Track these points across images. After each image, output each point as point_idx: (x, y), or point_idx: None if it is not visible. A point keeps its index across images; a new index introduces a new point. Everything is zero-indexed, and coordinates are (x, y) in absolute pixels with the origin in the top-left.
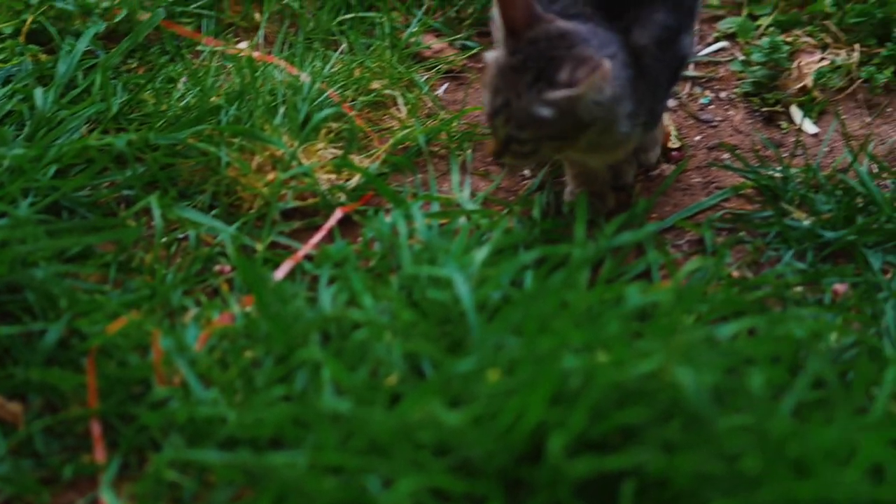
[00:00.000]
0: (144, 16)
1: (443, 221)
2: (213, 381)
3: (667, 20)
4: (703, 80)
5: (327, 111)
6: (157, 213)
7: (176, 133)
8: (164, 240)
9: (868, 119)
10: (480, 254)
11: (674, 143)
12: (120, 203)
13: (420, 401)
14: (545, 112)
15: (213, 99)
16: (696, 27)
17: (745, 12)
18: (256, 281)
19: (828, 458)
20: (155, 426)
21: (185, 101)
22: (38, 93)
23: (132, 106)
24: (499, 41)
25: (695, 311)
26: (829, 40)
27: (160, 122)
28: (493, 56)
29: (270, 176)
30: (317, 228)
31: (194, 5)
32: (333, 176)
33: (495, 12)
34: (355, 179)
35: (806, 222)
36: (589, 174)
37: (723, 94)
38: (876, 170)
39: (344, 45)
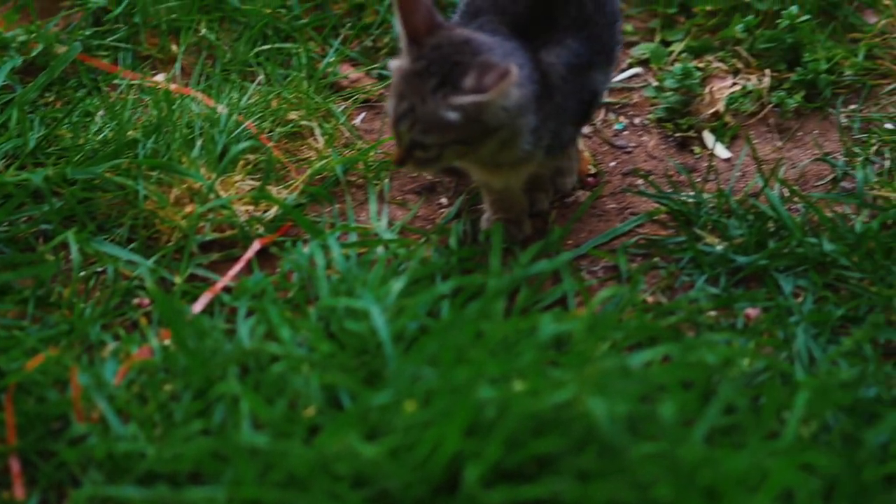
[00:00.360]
0: (61, 49)
1: (361, 251)
2: (132, 415)
3: (578, 48)
4: (618, 106)
5: (245, 143)
6: (74, 247)
7: (93, 167)
8: (82, 274)
9: (779, 143)
10: (397, 284)
11: (590, 170)
12: (38, 238)
13: (338, 433)
14: (452, 116)
15: (130, 132)
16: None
17: (657, 38)
18: (174, 315)
19: (739, 484)
20: (74, 462)
21: (102, 135)
22: None
23: (49, 140)
24: (402, 49)
25: (609, 339)
26: (740, 65)
27: (78, 157)
28: (396, 63)
29: (188, 208)
30: (235, 260)
31: (111, 38)
32: (251, 207)
33: (396, 20)
34: (273, 211)
35: (719, 247)
36: (505, 201)
37: (637, 120)
38: (787, 194)
39: (261, 77)
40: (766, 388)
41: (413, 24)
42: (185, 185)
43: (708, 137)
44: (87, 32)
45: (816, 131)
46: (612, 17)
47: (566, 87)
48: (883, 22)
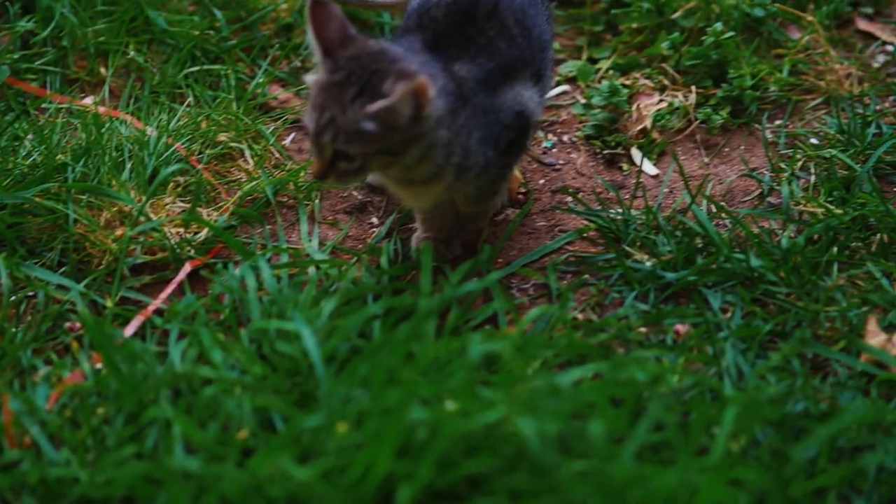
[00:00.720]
0: None
1: (292, 272)
2: (65, 440)
3: (492, 68)
4: (546, 123)
5: (174, 166)
6: (3, 272)
7: (23, 192)
8: (12, 299)
9: (706, 159)
10: (328, 305)
11: (520, 188)
12: None
13: (270, 456)
14: (369, 126)
15: (59, 156)
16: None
17: (585, 56)
18: (104, 339)
19: (669, 501)
20: (6, 488)
21: (31, 159)
22: None
23: None
24: (317, 63)
25: (539, 357)
26: (666, 82)
27: (6, 181)
28: (313, 77)
29: (119, 231)
30: (166, 282)
31: (39, 62)
32: (182, 230)
33: (309, 33)
34: (204, 233)
35: (647, 264)
36: (436, 220)
37: (565, 138)
38: (714, 210)
39: (190, 99)
40: (694, 405)
41: (326, 36)
42: (115, 209)
43: (636, 154)
44: (15, 56)
45: (743, 147)
46: (541, 44)
47: (476, 102)
48: (806, 38)
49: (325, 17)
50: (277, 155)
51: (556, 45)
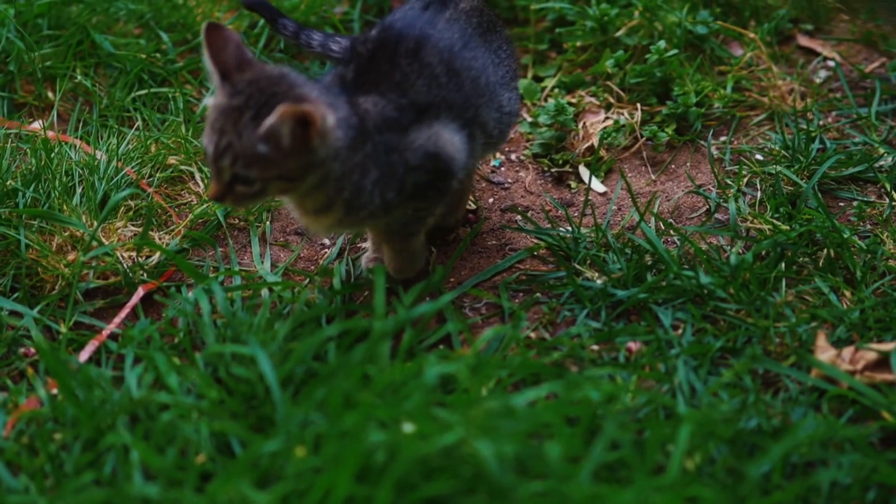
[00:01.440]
0: None
1: (245, 294)
2: (22, 467)
3: (403, 104)
4: None
5: (126, 191)
6: None
7: None
8: None
9: (653, 176)
10: (283, 329)
11: (470, 206)
12: None
13: (229, 481)
14: (262, 148)
15: (9, 182)
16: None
17: (530, 74)
18: (60, 366)
19: None
20: None
21: None
22: None
23: None
24: (215, 86)
25: (494, 377)
26: (612, 100)
27: None
28: (212, 100)
29: (71, 256)
30: (120, 307)
31: None
32: (134, 254)
33: (205, 57)
34: (156, 256)
35: (598, 282)
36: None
37: (513, 156)
38: (662, 227)
39: (139, 122)
40: (649, 423)
41: (223, 60)
42: (66, 233)
43: (583, 172)
44: None
45: (689, 164)
46: (478, 89)
47: (379, 139)
48: (749, 54)
49: (222, 41)
50: None
51: None
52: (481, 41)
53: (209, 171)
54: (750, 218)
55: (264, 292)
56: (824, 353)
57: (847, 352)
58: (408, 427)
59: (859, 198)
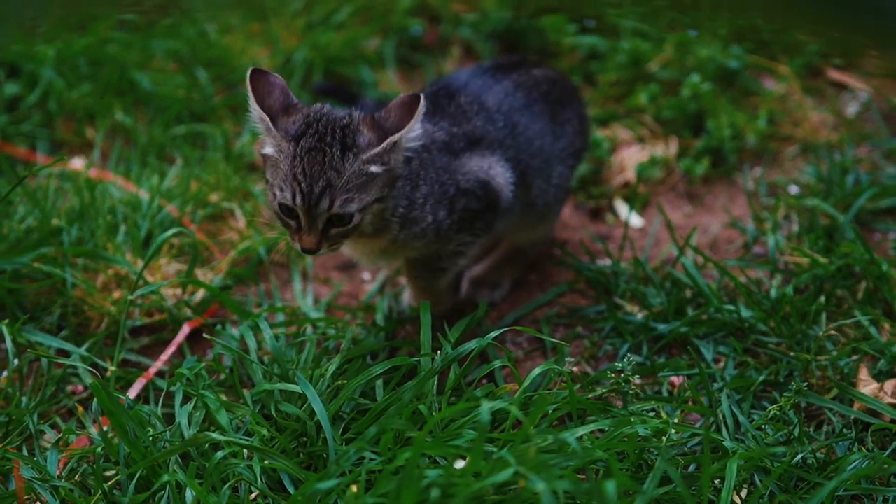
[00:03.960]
0: None
1: (289, 331)
2: None
3: (455, 132)
4: None
5: (171, 230)
6: (8, 339)
7: (20, 257)
8: (16, 363)
9: (689, 209)
10: (332, 366)
11: None
12: None
13: None
14: (375, 169)
15: (54, 220)
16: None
17: None
18: (114, 405)
19: None
20: None
21: (25, 224)
22: None
23: None
24: (265, 133)
25: (543, 413)
26: (646, 133)
27: (2, 246)
28: (272, 149)
29: (116, 294)
30: (165, 343)
31: (26, 124)
32: (179, 291)
33: (252, 105)
34: (201, 293)
35: (639, 316)
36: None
37: None
38: (701, 261)
39: (179, 159)
40: (698, 458)
41: (269, 105)
42: (111, 271)
43: (620, 205)
44: (2, 120)
45: (724, 196)
46: (530, 145)
47: (428, 157)
48: (782, 87)
49: (267, 86)
50: (267, 213)
51: None
52: (548, 108)
53: (277, 221)
54: (788, 251)
55: (308, 329)
56: (866, 386)
57: (889, 385)
58: (459, 464)
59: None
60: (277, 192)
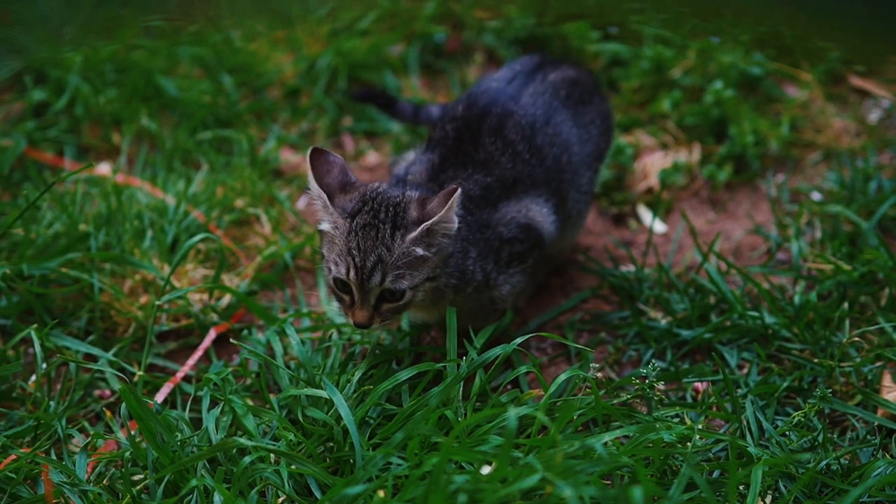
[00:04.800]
0: (7, 143)
1: (315, 336)
2: None
3: (488, 182)
4: None
5: (198, 236)
6: (37, 345)
7: (48, 262)
8: (44, 367)
9: (712, 215)
10: (358, 371)
11: None
12: None
13: None
14: (419, 251)
15: (81, 226)
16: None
17: None
18: (142, 410)
19: None
20: None
21: (53, 229)
22: None
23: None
24: (323, 210)
25: (569, 418)
26: (668, 139)
27: (30, 251)
28: (329, 225)
29: (143, 299)
30: (192, 348)
31: (53, 129)
32: (205, 296)
33: (311, 183)
34: (227, 298)
35: (663, 322)
36: None
37: None
38: (725, 268)
39: (204, 165)
40: (724, 464)
41: (328, 183)
42: (138, 276)
43: (643, 212)
44: (30, 125)
45: (747, 203)
46: (559, 165)
47: (472, 219)
48: (805, 94)
49: (326, 165)
50: (293, 219)
51: None
52: (570, 114)
53: (333, 292)
54: (811, 257)
55: (334, 334)
56: (890, 392)
57: None
58: (486, 469)
59: None
60: (332, 267)
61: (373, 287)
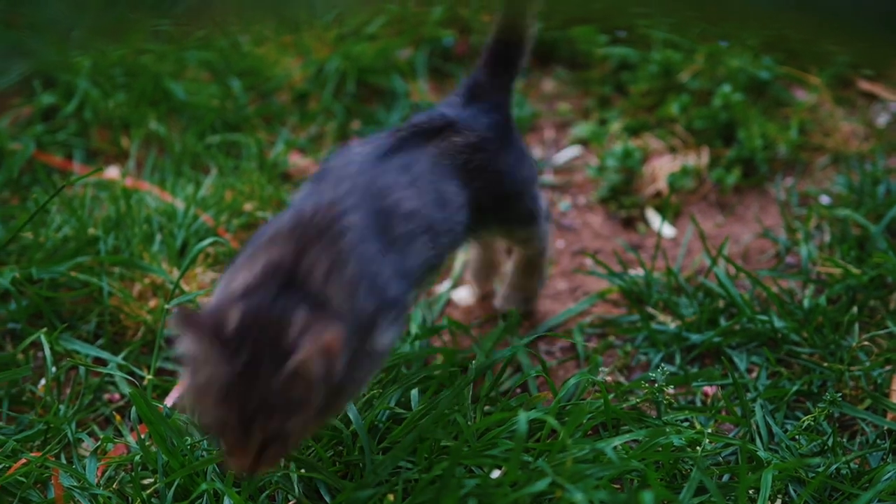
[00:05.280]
0: (15, 146)
1: None
2: None
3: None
4: (561, 186)
5: (207, 240)
6: (46, 348)
7: (57, 266)
8: (53, 370)
9: (721, 219)
10: None
11: None
12: (5, 337)
13: None
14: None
15: (90, 230)
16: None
17: (594, 118)
18: (152, 413)
19: None
20: None
21: (62, 232)
22: None
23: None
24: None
25: (579, 422)
26: (677, 143)
27: (39, 254)
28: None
29: (153, 303)
30: None
31: (62, 133)
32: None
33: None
34: None
35: (672, 326)
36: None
37: (581, 200)
38: (733, 272)
39: (213, 169)
40: (734, 469)
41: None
42: (147, 280)
43: (651, 215)
44: (39, 129)
45: (756, 206)
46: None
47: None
48: (813, 98)
49: None
50: None
51: (566, 105)
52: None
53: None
54: (820, 261)
55: None
56: None
57: None
58: (496, 473)
59: None
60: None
61: (254, 432)
